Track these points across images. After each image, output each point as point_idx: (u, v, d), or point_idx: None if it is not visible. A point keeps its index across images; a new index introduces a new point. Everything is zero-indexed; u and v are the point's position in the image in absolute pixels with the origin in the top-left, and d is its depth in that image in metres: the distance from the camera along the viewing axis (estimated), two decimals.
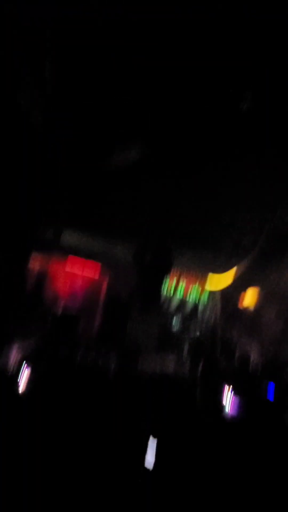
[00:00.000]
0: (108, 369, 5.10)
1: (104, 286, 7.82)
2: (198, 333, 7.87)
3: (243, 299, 7.67)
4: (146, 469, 2.52)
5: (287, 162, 5.29)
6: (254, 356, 7.33)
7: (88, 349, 5.84)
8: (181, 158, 5.62)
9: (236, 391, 4.26)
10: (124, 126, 5.05)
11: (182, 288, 8.05)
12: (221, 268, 7.66)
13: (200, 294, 8.09)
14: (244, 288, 7.61)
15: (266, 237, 6.82)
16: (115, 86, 4.26)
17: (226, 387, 3.97)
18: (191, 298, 8.10)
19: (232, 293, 7.68)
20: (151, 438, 2.67)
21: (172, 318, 7.86)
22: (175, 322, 7.90)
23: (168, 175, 5.94)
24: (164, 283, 7.54)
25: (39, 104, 4.54)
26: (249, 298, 7.64)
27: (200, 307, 8.09)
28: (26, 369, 3.22)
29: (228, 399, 3.95)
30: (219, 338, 7.69)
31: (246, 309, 7.69)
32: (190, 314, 8.02)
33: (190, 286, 8.07)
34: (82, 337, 6.39)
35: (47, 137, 5.17)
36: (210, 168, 5.77)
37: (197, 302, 8.12)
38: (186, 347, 6.92)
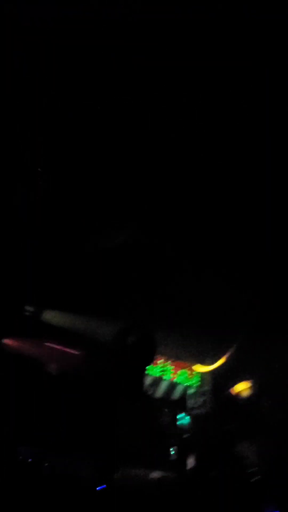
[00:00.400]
0: (82, 480, 4.19)
1: (82, 373, 7.06)
2: (187, 427, 6.92)
3: (236, 387, 7.02)
4: None
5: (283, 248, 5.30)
6: (253, 460, 6.39)
7: (58, 453, 4.90)
8: (174, 242, 5.55)
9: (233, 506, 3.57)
10: (119, 208, 4.99)
11: (170, 371, 7.34)
12: (210, 355, 7.21)
13: (190, 377, 7.36)
14: (236, 375, 7.04)
15: (255, 321, 6.57)
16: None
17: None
18: (180, 381, 7.34)
19: (224, 380, 7.05)
20: None
21: (158, 409, 6.95)
22: (162, 414, 6.98)
23: (157, 256, 5.83)
24: (148, 369, 6.87)
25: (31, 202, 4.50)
26: (243, 386, 7.00)
27: (190, 392, 7.30)
28: None
29: None
30: (212, 435, 6.77)
31: (240, 399, 6.98)
32: (179, 403, 7.18)
33: (179, 368, 7.38)
34: (50, 437, 5.42)
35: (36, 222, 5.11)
36: (201, 251, 5.71)
37: (186, 387, 7.34)
38: (175, 447, 5.98)
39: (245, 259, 5.70)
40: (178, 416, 6.88)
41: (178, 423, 6.91)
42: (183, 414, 6.98)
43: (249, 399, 6.96)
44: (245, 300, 6.33)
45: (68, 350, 7.02)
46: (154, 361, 7.09)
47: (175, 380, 7.36)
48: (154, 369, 7.28)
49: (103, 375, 6.51)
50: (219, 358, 6.84)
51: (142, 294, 6.30)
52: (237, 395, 7.06)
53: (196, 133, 3.88)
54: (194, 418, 7.02)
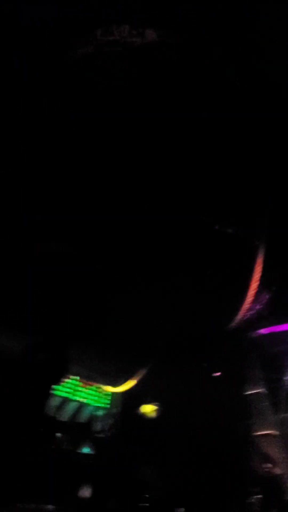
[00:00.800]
0: None
1: None
2: (92, 449, 6.63)
3: (143, 409, 6.97)
4: None
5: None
6: (155, 485, 6.36)
7: None
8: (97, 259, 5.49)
9: None
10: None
11: (79, 391, 6.99)
12: (121, 377, 7.09)
13: (100, 398, 7.12)
14: (144, 398, 6.99)
15: (169, 347, 6.69)
16: None
17: None
18: (89, 403, 7.04)
19: (132, 403, 6.95)
20: None
21: (65, 429, 6.53)
22: (68, 435, 6.57)
23: (76, 272, 5.66)
24: (57, 387, 6.48)
25: None
26: (149, 408, 6.98)
27: (98, 414, 7.03)
28: None
29: None
30: (115, 460, 6.56)
31: (146, 422, 6.93)
32: (85, 426, 6.84)
33: (89, 388, 7.08)
34: None
35: None
36: (122, 275, 5.70)
37: (95, 408, 7.06)
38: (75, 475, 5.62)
39: (162, 288, 5.83)
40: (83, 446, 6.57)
41: (82, 450, 6.59)
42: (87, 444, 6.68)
43: (154, 422, 6.97)
44: (158, 327, 6.39)
45: None
46: (63, 380, 6.72)
47: (84, 401, 7.05)
48: (62, 389, 6.88)
49: (4, 393, 5.94)
50: (129, 380, 6.78)
51: (55, 309, 5.99)
52: (144, 417, 7.03)
53: None
54: (99, 442, 6.77)
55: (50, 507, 5.66)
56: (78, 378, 7.04)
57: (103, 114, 3.82)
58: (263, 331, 6.17)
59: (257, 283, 5.27)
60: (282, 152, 4.49)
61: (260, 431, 6.63)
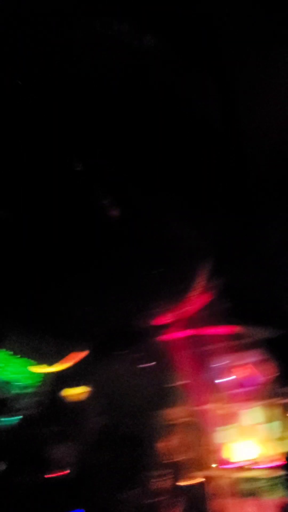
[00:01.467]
0: None
1: None
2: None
3: (70, 391, 7.08)
4: None
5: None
6: (66, 462, 6.55)
7: None
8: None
9: None
10: None
11: (9, 366, 6.85)
12: (54, 357, 7.08)
13: (29, 376, 7.05)
14: (74, 381, 7.10)
15: (105, 335, 6.86)
16: None
17: None
18: (17, 379, 6.93)
19: (61, 384, 7.01)
20: None
21: None
22: None
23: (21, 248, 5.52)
24: None
25: None
26: (77, 391, 7.12)
27: (25, 391, 6.96)
28: None
29: None
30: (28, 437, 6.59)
31: (71, 403, 7.06)
32: (7, 401, 6.73)
33: (20, 364, 6.97)
34: None
35: None
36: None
37: (23, 386, 6.98)
38: None
39: (107, 279, 5.92)
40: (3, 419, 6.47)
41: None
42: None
43: (79, 404, 7.13)
44: (98, 315, 6.52)
45: None
46: None
47: (11, 376, 6.96)
48: None
49: None
50: (62, 361, 6.86)
51: None
52: (70, 399, 7.16)
53: None
54: (22, 419, 6.75)
55: None
56: (10, 353, 6.93)
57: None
58: (193, 331, 6.69)
59: (199, 287, 5.68)
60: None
61: (176, 420, 7.23)
